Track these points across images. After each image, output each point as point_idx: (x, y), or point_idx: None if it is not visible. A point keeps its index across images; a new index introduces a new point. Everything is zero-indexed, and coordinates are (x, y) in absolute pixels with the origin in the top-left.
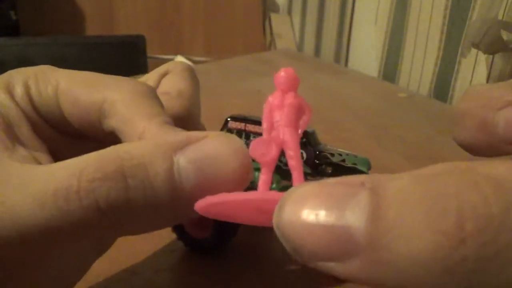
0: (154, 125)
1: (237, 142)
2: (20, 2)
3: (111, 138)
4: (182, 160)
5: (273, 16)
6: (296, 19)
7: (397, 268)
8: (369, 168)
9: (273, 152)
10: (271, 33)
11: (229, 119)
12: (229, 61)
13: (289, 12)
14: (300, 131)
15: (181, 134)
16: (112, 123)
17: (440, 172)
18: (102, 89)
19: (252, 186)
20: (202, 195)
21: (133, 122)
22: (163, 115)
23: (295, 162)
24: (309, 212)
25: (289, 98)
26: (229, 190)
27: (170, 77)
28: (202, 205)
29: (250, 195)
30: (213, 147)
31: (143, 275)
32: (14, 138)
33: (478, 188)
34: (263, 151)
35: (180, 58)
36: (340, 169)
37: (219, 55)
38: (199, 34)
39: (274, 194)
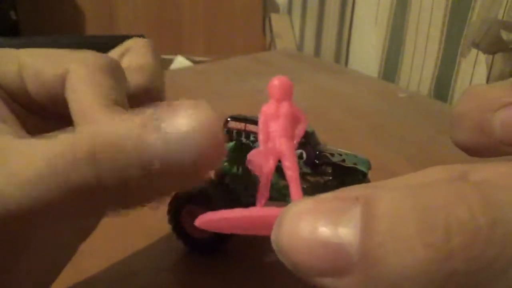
0: (97, 102)
1: (207, 117)
2: (20, 2)
3: None
4: (150, 138)
5: (273, 16)
6: (296, 19)
7: (390, 282)
8: (369, 168)
9: (270, 164)
10: (271, 33)
11: (229, 119)
12: (229, 61)
13: (289, 12)
14: (295, 141)
15: (150, 110)
16: (66, 93)
17: (432, 182)
18: (65, 62)
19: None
20: (174, 172)
21: (81, 96)
22: (114, 91)
23: (292, 173)
24: (305, 229)
25: (284, 108)
26: (200, 167)
27: (131, 53)
28: (202, 221)
29: (249, 212)
30: (181, 124)
31: (143, 275)
32: None
33: (466, 202)
34: (260, 163)
35: (180, 58)
36: (340, 169)
37: (219, 55)
38: (199, 34)
39: (272, 210)
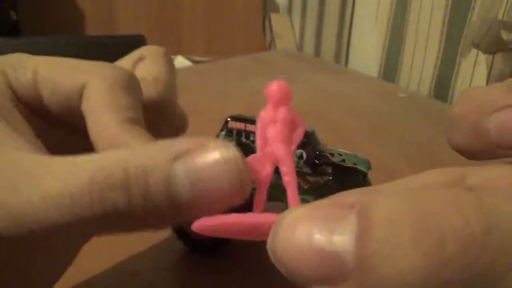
0: (115, 121)
1: (235, 158)
2: (21, 2)
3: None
4: (179, 171)
5: (273, 16)
6: (296, 19)
7: None
8: (369, 168)
9: (267, 170)
10: (271, 33)
11: (229, 119)
12: (229, 61)
13: (289, 12)
14: (293, 146)
15: (181, 142)
16: (83, 108)
17: (428, 187)
18: (82, 74)
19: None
20: (199, 204)
21: (99, 114)
22: (131, 110)
23: (289, 178)
24: (301, 236)
25: (282, 113)
26: (225, 203)
27: (145, 62)
28: (198, 225)
29: (245, 218)
30: (209, 162)
31: (143, 275)
32: (10, 126)
33: (461, 208)
34: (258, 169)
35: (180, 58)
36: (340, 169)
37: (219, 55)
38: (199, 34)
39: (268, 216)
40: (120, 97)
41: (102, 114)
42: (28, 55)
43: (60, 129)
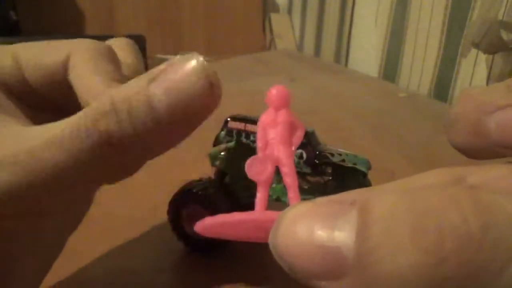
0: (103, 81)
1: (197, 63)
2: (20, 2)
3: (77, 100)
4: (155, 91)
5: (273, 16)
6: (296, 19)
7: (384, 285)
8: (369, 168)
9: (268, 171)
10: (271, 33)
11: (229, 119)
12: (229, 61)
13: (289, 12)
14: (293, 147)
15: (155, 69)
16: (70, 77)
17: (428, 186)
18: (64, 48)
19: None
20: (179, 117)
21: (85, 76)
22: (116, 72)
23: (290, 179)
24: (302, 232)
25: (282, 116)
26: (201, 106)
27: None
28: (201, 226)
29: (247, 215)
30: (177, 74)
31: (143, 275)
32: (1, 108)
33: (459, 206)
34: (259, 170)
35: None
36: (340, 169)
37: (219, 55)
38: (199, 34)
39: (270, 214)
40: (104, 63)
41: (90, 77)
42: (3, 45)
43: (45, 113)
